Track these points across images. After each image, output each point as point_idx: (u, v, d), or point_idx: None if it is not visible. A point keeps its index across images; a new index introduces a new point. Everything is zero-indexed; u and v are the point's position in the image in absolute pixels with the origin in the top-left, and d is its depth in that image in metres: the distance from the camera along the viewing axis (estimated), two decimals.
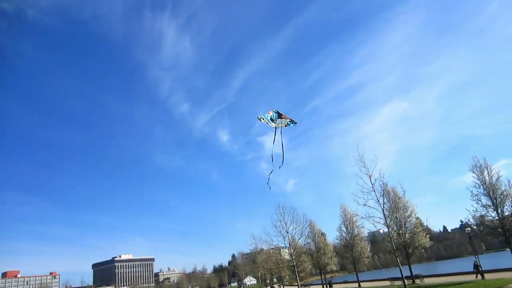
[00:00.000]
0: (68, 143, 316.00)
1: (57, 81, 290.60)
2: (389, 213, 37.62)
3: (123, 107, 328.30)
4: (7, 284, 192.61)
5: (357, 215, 44.91)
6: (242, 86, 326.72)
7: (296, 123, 8.94)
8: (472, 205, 34.26)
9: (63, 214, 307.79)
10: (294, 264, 52.74)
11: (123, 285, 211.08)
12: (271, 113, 8.89)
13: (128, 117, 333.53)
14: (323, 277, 62.37)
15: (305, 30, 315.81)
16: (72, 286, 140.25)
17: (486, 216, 33.54)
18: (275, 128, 8.81)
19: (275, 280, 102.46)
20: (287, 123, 8.92)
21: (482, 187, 33.57)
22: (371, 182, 35.97)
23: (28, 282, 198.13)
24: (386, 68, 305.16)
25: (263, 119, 8.85)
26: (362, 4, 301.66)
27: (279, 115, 8.86)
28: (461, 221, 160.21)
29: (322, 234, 57.97)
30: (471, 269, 36.89)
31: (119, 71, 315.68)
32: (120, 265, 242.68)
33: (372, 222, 37.08)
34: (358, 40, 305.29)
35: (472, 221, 35.42)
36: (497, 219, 32.49)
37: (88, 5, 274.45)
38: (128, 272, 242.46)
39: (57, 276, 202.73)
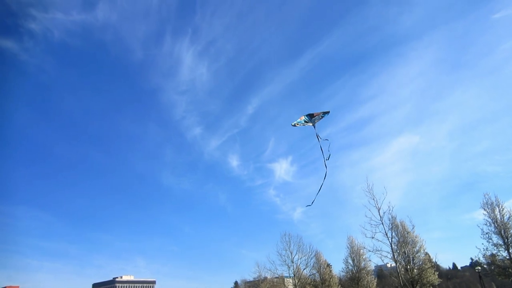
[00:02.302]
0: (78, 159, 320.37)
1: (74, 98, 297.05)
2: (397, 247, 37.04)
3: (136, 127, 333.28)
4: None
5: (365, 247, 44.12)
6: (254, 112, 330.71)
7: (328, 112, 9.05)
8: (482, 243, 33.71)
9: (67, 230, 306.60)
10: None
11: None
12: (302, 118, 9.11)
13: (140, 137, 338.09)
14: None
15: (320, 61, 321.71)
16: None
17: (497, 255, 32.82)
18: (313, 126, 9.07)
19: None
20: (321, 116, 9.11)
21: (493, 225, 33.09)
22: (379, 215, 35.75)
23: None
24: (398, 101, 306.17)
25: (298, 124, 9.16)
26: (376, 39, 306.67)
27: (311, 116, 9.08)
28: (471, 259, 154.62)
29: (328, 265, 56.78)
30: None
31: (135, 92, 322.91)
32: (121, 286, 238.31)
33: (379, 256, 36.49)
34: (371, 72, 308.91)
35: (482, 259, 34.77)
36: (508, 259, 31.78)
37: (111, 28, 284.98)
38: None
39: None
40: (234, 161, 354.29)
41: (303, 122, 9.17)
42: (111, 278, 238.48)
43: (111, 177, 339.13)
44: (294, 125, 9.20)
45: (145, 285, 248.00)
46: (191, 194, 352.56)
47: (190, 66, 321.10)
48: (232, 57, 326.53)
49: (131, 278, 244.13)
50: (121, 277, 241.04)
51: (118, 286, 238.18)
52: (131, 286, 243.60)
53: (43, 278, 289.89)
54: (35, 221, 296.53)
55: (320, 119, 9.14)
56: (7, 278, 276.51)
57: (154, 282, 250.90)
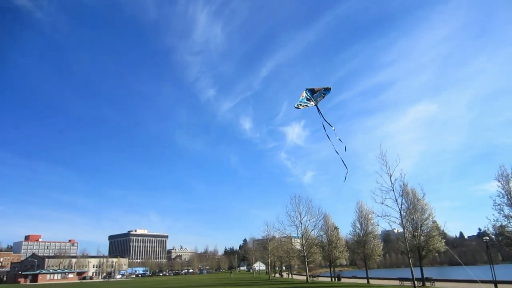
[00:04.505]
0: (94, 117, 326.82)
1: (88, 57, 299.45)
2: (406, 214, 37.35)
3: (150, 88, 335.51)
4: (29, 246, 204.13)
5: (373, 212, 44.79)
6: (268, 75, 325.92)
7: (330, 88, 8.55)
8: (493, 214, 33.58)
9: (85, 185, 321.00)
10: (305, 254, 53.54)
11: (137, 259, 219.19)
12: (304, 94, 8.61)
13: (155, 98, 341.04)
14: (332, 270, 63.08)
15: (337, 24, 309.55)
16: (89, 254, 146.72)
17: (507, 227, 32.89)
18: (316, 105, 8.56)
19: (284, 268, 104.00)
20: (323, 94, 8.58)
21: (506, 197, 32.75)
22: (391, 181, 35.72)
23: (49, 247, 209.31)
24: (419, 67, 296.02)
25: (301, 105, 8.61)
26: (399, 0, 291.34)
27: (312, 91, 8.58)
28: (479, 229, 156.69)
29: (336, 228, 58.34)
30: (484, 277, 36.45)
31: (149, 53, 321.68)
32: (135, 239, 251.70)
33: (387, 221, 36.92)
34: (392, 37, 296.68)
35: (491, 230, 34.76)
36: None
37: None
38: (142, 246, 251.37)
39: (75, 244, 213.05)
40: (246, 124, 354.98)
41: (305, 100, 8.62)
42: (126, 231, 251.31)
43: (126, 135, 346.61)
44: (297, 107, 8.63)
45: (158, 239, 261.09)
46: (204, 154, 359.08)
47: (204, 27, 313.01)
48: (247, 18, 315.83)
49: (145, 232, 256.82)
50: (135, 231, 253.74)
51: (133, 239, 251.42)
52: (145, 239, 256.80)
53: (62, 228, 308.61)
54: (55, 175, 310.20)
55: (323, 97, 8.61)
56: (30, 228, 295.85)
57: (166, 237, 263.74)
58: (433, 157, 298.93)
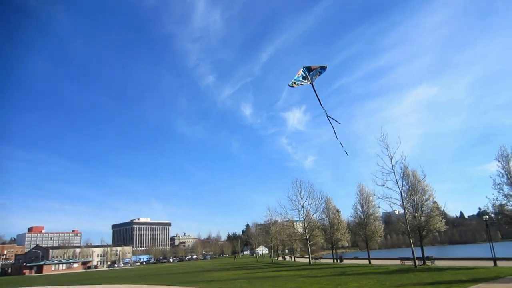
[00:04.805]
0: (92, 106, 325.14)
1: (87, 46, 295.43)
2: (406, 195, 37.75)
3: (149, 75, 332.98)
4: (32, 238, 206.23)
5: (374, 195, 45.35)
6: (268, 60, 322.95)
7: (326, 67, 8.46)
8: (493, 194, 34.01)
9: (87, 175, 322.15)
10: (307, 237, 54.29)
11: (141, 247, 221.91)
12: (300, 72, 8.48)
13: (154, 85, 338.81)
14: (334, 252, 64.07)
15: (338, 8, 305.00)
16: (93, 244, 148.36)
17: (507, 205, 33.32)
18: (311, 84, 8.46)
19: (286, 251, 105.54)
20: (319, 72, 8.49)
21: (506, 176, 33.06)
22: (391, 164, 36.02)
23: (52, 238, 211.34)
24: (420, 51, 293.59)
25: (295, 83, 8.51)
26: None
27: (309, 69, 8.44)
28: (479, 209, 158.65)
29: (337, 211, 58.98)
30: (483, 255, 37.07)
31: (148, 40, 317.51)
32: (138, 227, 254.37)
33: (388, 203, 37.37)
34: (393, 20, 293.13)
35: (491, 209, 35.22)
36: None
37: None
38: (146, 234, 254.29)
39: (79, 234, 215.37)
40: (247, 110, 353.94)
41: (300, 79, 8.51)
42: (129, 220, 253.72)
43: (126, 124, 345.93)
44: (292, 85, 8.56)
45: (161, 226, 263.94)
46: (205, 141, 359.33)
47: (203, 13, 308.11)
48: (246, 3, 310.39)
49: (148, 220, 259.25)
50: (138, 219, 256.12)
51: (136, 227, 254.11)
52: (148, 227, 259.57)
53: (65, 219, 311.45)
54: (56, 166, 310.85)
55: (318, 75, 8.52)
56: (33, 219, 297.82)
57: (169, 224, 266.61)
58: (433, 139, 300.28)
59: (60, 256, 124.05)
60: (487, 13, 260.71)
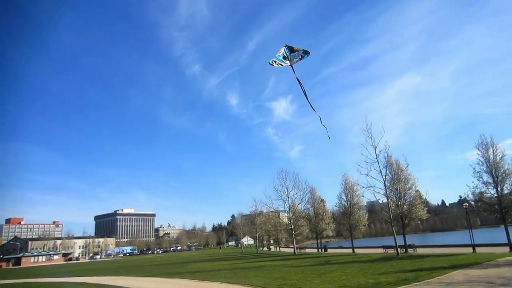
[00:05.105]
0: (80, 97, 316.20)
1: (72, 35, 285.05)
2: (390, 184, 38.22)
3: (135, 64, 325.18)
4: (10, 229, 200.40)
5: (358, 184, 45.83)
6: (255, 49, 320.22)
7: (309, 52, 8.28)
8: (473, 182, 34.85)
9: (69, 165, 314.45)
10: (292, 227, 54.50)
11: (124, 238, 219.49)
12: (282, 51, 8.23)
13: (139, 74, 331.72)
14: (319, 241, 64.68)
15: None
16: (75, 235, 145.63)
17: (486, 193, 34.09)
18: (291, 66, 8.21)
19: (271, 241, 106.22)
20: (301, 56, 8.28)
21: (485, 164, 33.81)
22: (375, 153, 36.30)
23: (32, 229, 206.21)
24: (404, 40, 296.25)
25: (275, 62, 8.26)
26: None
27: (291, 50, 8.21)
28: (460, 196, 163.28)
29: (322, 200, 59.31)
30: (463, 242, 37.92)
31: (133, 28, 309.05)
32: (122, 218, 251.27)
33: (372, 192, 37.94)
34: (378, 9, 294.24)
35: (471, 196, 36.06)
36: (495, 197, 33.06)
37: None
38: (129, 225, 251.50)
39: (60, 225, 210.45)
40: (233, 100, 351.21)
41: (281, 58, 8.29)
42: (112, 211, 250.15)
43: (110, 113, 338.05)
44: (271, 64, 8.32)
45: (145, 217, 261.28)
46: (191, 131, 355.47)
47: (189, 1, 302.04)
48: None
49: (132, 211, 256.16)
50: (122, 210, 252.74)
51: (119, 218, 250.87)
52: (132, 219, 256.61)
53: (46, 210, 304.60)
54: (36, 156, 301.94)
55: (300, 59, 8.34)
56: (11, 211, 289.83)
57: (154, 215, 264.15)
58: (417, 129, 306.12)
59: (40, 248, 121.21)
60: (471, 1, 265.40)
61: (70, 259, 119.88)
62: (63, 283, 32.83)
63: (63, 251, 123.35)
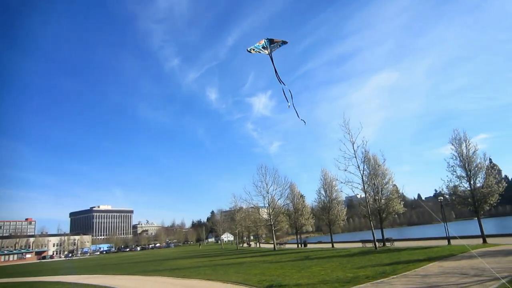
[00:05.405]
0: (53, 89, 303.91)
1: (45, 25, 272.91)
2: (367, 179, 38.76)
3: (111, 57, 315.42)
4: None
5: (337, 179, 46.25)
6: (234, 44, 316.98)
7: (287, 42, 8.49)
8: (447, 176, 35.94)
9: (40, 160, 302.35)
10: (272, 223, 54.54)
11: (101, 235, 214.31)
12: (262, 42, 8.38)
13: (116, 67, 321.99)
14: (298, 237, 65.12)
15: None
16: (49, 233, 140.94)
17: (459, 186, 35.18)
18: (269, 54, 8.33)
19: (251, 237, 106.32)
20: (279, 45, 8.51)
21: (458, 159, 34.85)
22: (353, 149, 36.80)
23: (2, 227, 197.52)
24: (382, 36, 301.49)
25: (253, 50, 8.36)
26: None
27: (271, 41, 8.41)
28: (435, 190, 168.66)
29: (301, 196, 59.63)
30: (439, 235, 38.90)
31: (109, 20, 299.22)
32: (98, 215, 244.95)
33: (350, 187, 38.47)
34: (356, 5, 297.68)
35: (445, 190, 37.08)
36: (469, 190, 34.16)
37: None
38: (106, 222, 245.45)
39: (33, 223, 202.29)
40: (212, 94, 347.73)
41: (260, 47, 8.37)
42: (88, 208, 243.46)
43: (86, 107, 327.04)
44: (249, 51, 8.40)
45: (122, 214, 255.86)
46: (169, 126, 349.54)
47: None
48: None
49: (109, 207, 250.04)
50: (99, 207, 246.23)
51: (96, 215, 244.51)
52: (109, 215, 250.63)
53: (18, 207, 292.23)
54: (6, 151, 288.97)
55: (278, 47, 8.51)
56: None
57: (131, 212, 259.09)
58: (394, 124, 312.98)
59: (11, 246, 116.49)
60: (444, 0, 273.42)
61: (44, 258, 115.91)
62: (36, 282, 31.56)
63: (36, 249, 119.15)
